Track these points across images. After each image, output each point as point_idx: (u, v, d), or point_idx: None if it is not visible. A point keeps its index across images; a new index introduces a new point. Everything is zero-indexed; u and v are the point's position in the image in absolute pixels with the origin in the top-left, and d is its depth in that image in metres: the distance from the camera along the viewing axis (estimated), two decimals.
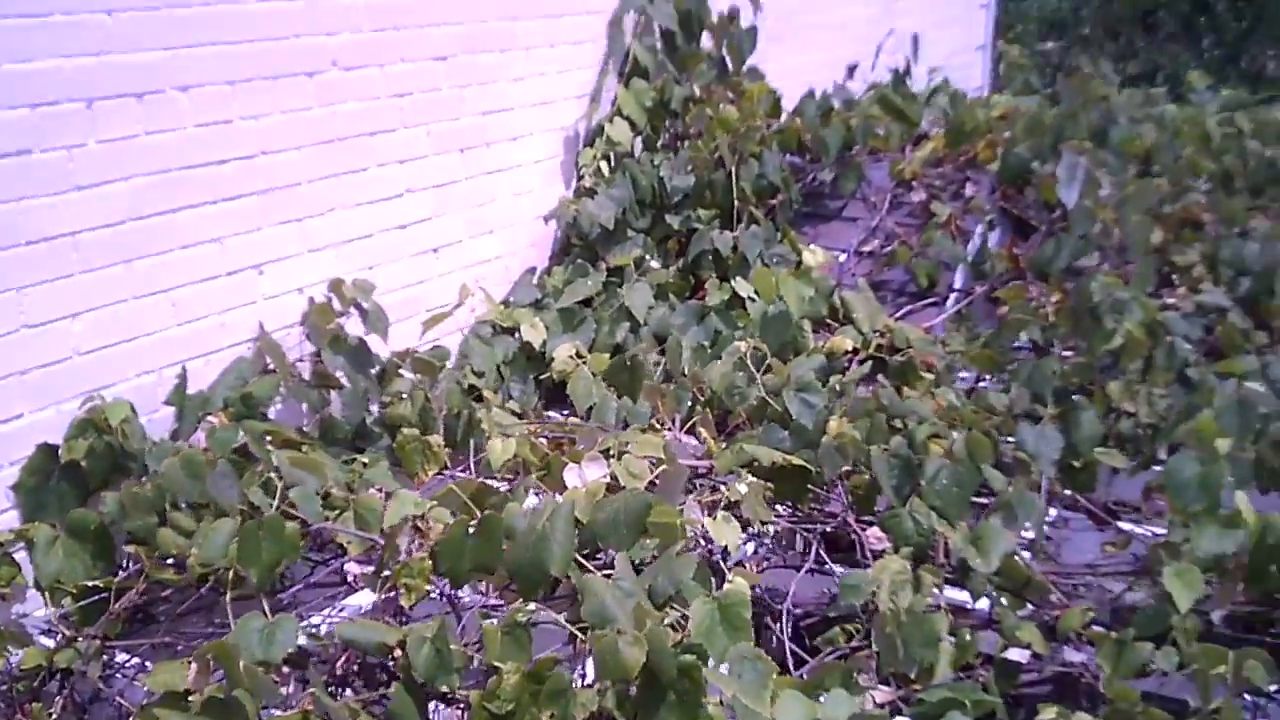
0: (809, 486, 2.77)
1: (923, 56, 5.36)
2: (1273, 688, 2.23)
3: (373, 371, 3.13)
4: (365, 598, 2.58)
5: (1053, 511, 3.02)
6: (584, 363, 3.47)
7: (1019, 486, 2.61)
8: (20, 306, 2.58)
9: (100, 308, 2.73)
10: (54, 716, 2.33)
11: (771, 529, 2.77)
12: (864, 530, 2.68)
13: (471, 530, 2.34)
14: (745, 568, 2.64)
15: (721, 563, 2.57)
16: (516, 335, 3.73)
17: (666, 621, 2.10)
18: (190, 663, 2.15)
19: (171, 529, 2.44)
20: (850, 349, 3.48)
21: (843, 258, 4.09)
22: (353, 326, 3.18)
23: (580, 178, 4.15)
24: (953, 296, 3.93)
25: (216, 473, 2.47)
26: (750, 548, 2.77)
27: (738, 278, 3.77)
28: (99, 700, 2.37)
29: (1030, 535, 2.80)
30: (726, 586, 2.13)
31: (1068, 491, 3.02)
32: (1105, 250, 3.64)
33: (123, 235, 2.76)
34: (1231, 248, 3.82)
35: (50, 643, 2.45)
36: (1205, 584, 2.38)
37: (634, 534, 2.38)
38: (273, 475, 2.57)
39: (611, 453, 2.66)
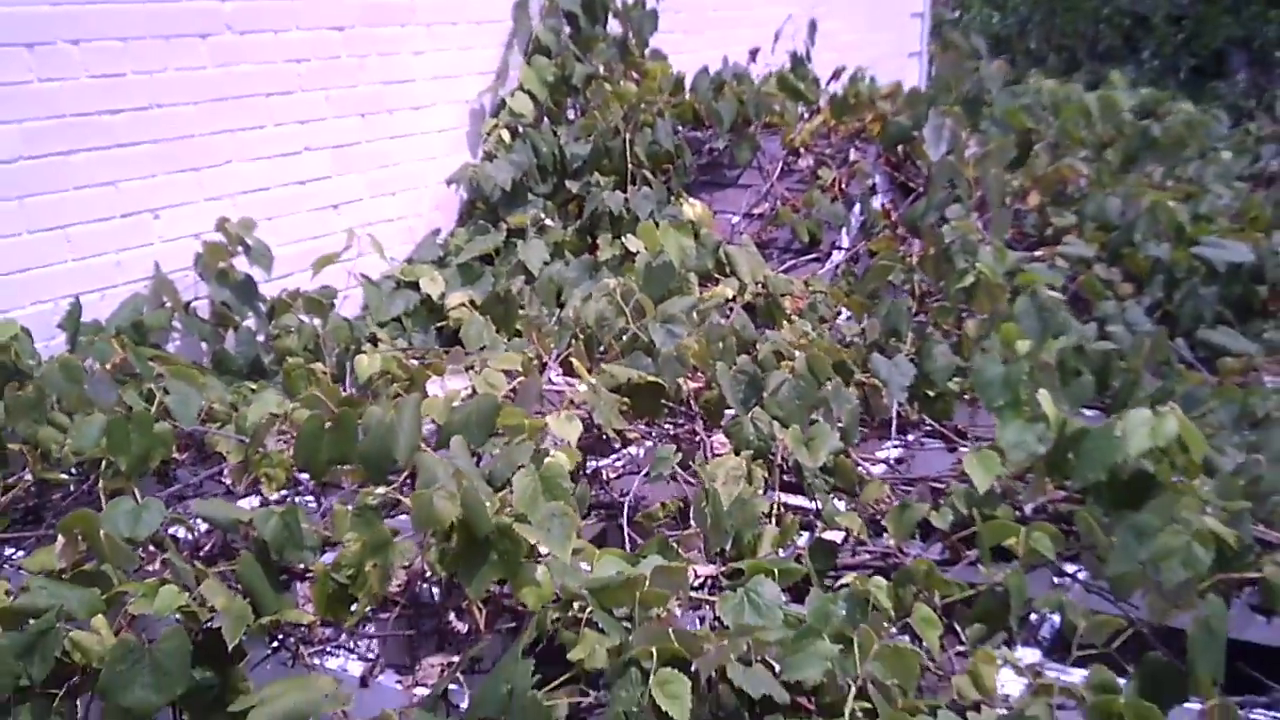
0: (664, 403, 2.96)
1: (852, 59, 5.56)
2: (1072, 569, 2.42)
3: (262, 307, 3.31)
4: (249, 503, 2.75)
5: (910, 435, 3.23)
6: (476, 309, 3.67)
7: (837, 385, 2.80)
8: None
9: None
10: None
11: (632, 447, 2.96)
12: (710, 437, 2.87)
13: (328, 425, 2.52)
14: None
15: None
16: (419, 290, 3.92)
17: (501, 498, 2.28)
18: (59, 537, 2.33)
19: (51, 427, 2.61)
20: (730, 297, 3.68)
21: (735, 219, 4.30)
22: (243, 265, 3.36)
23: (485, 150, 4.36)
24: (835, 254, 4.14)
25: (94, 377, 2.65)
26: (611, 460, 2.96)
27: (628, 234, 3.97)
28: None
29: (884, 455, 3.01)
30: (547, 460, 2.31)
31: (926, 418, 3.23)
32: (968, 204, 3.84)
33: (15, 173, 2.93)
34: (1096, 203, 4.04)
35: None
36: (1019, 479, 2.59)
37: (484, 432, 2.56)
38: (153, 386, 2.75)
39: (473, 368, 2.86)
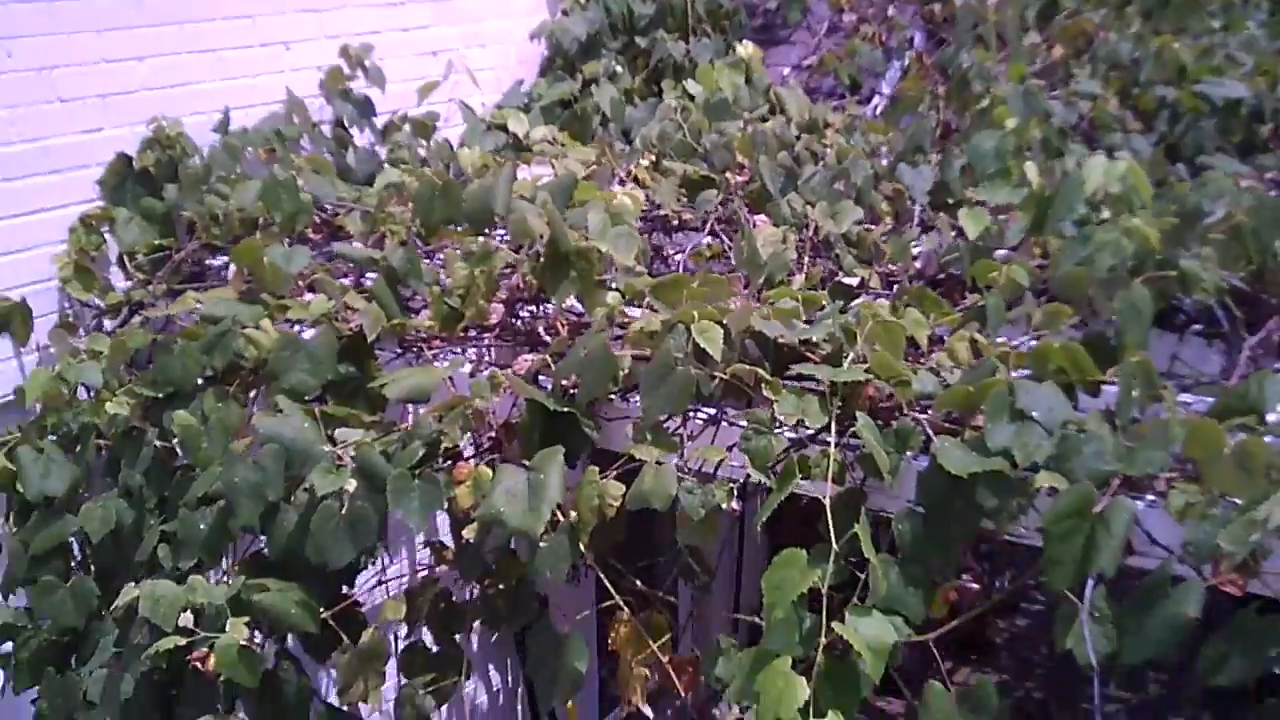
0: (715, 192, 3.51)
1: None
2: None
3: (377, 124, 3.91)
4: None
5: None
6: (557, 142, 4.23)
7: (854, 156, 3.31)
8: (100, 45, 3.36)
9: (159, 56, 3.51)
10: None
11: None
12: (753, 217, 3.41)
13: (438, 191, 3.10)
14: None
15: None
16: (507, 132, 4.48)
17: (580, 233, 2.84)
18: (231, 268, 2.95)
19: (215, 195, 3.22)
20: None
21: (786, 71, 4.81)
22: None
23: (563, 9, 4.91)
24: (876, 98, 4.64)
25: (249, 158, 3.26)
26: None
27: (689, 79, 4.50)
28: (167, 331, 3.15)
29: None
30: (615, 200, 2.87)
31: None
32: (991, 42, 4.31)
33: (174, 2, 3.54)
34: (1108, 48, 4.48)
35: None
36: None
37: (564, 201, 3.13)
38: (294, 174, 3.35)
39: (555, 159, 3.42)
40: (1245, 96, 4.19)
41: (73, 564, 2.99)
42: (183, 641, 2.43)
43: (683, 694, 2.51)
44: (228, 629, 2.42)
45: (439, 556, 2.88)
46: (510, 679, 5.21)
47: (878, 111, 4.56)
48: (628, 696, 2.56)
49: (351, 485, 2.45)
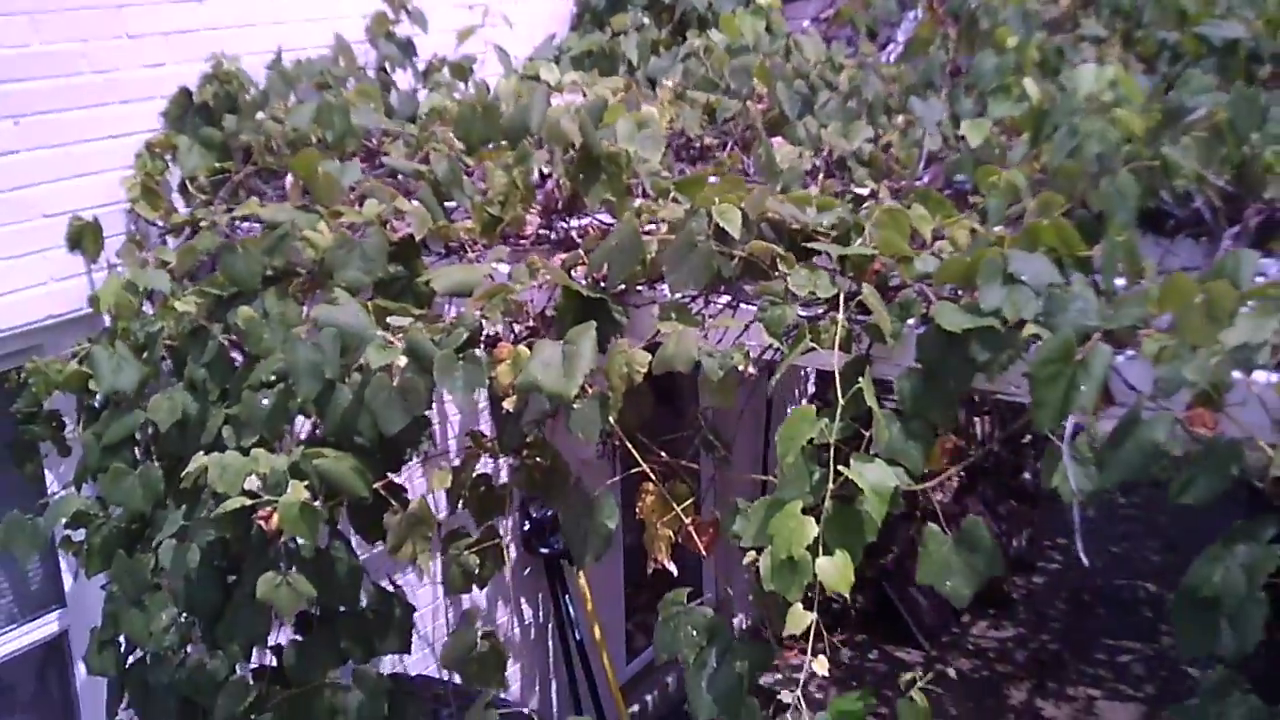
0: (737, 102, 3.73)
1: None
2: None
3: (419, 65, 4.16)
4: None
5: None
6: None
7: (866, 77, 3.52)
8: None
9: None
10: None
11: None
12: (771, 139, 3.63)
13: (478, 112, 3.34)
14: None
15: None
16: (539, 79, 4.72)
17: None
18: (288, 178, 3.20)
19: (272, 121, 3.47)
20: None
21: (805, 24, 5.03)
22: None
23: None
24: (891, 45, 4.85)
25: (302, 86, 3.51)
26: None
27: (712, 29, 4.73)
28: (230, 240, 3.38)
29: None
30: (637, 112, 3.10)
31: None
32: None
33: None
34: None
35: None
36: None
37: (595, 120, 3.36)
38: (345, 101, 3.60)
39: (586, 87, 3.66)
40: (1244, 37, 4.37)
41: (140, 455, 3.24)
42: (248, 502, 2.68)
43: (704, 553, 2.73)
44: (288, 492, 2.66)
45: (479, 444, 3.11)
46: (541, 614, 5.45)
47: (892, 59, 4.76)
48: (653, 555, 2.78)
49: (402, 361, 2.68)
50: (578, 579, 5.31)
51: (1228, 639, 2.09)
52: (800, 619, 2.33)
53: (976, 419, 7.99)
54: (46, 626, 3.78)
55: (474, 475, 3.08)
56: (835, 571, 2.34)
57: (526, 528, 5.19)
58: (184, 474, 2.77)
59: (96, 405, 3.39)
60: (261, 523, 2.67)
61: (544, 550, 5.18)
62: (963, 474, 7.69)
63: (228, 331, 3.05)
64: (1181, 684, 6.55)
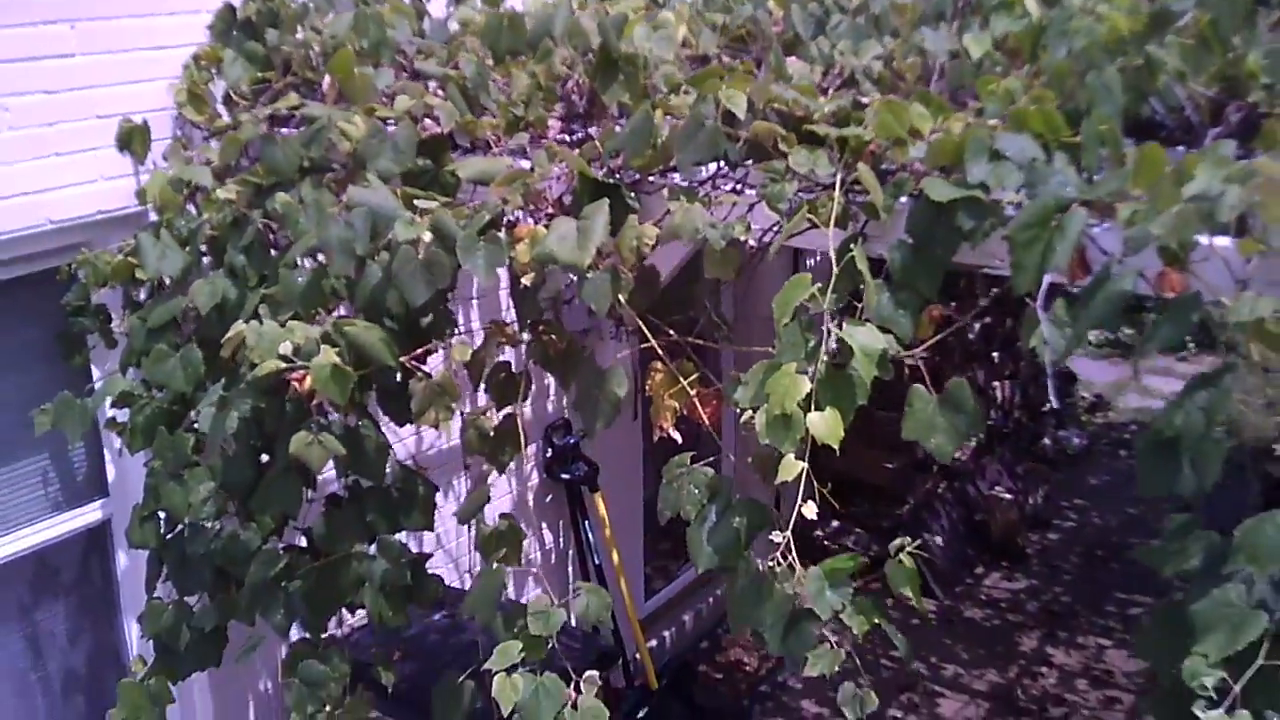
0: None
1: None
2: None
3: None
4: None
5: None
6: None
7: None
8: None
9: None
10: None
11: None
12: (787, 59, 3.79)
13: (505, 23, 3.52)
14: None
15: None
16: None
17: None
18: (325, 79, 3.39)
19: (312, 32, 3.67)
20: None
21: None
22: None
23: None
24: None
25: (341, 1, 3.71)
26: None
27: None
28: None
29: None
30: (654, 19, 3.27)
31: None
32: None
33: None
34: None
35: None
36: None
37: (616, 31, 3.53)
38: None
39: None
40: None
41: (182, 341, 3.44)
42: (282, 366, 2.87)
43: (706, 422, 2.90)
44: (320, 356, 2.85)
45: (499, 331, 3.29)
46: (562, 540, 5.64)
47: None
48: (659, 424, 2.96)
49: (428, 237, 2.87)
50: (597, 506, 5.49)
51: (1187, 478, 2.24)
52: (792, 467, 2.50)
53: (997, 384, 8.13)
54: (91, 514, 3.99)
55: (495, 361, 3.25)
56: (825, 426, 2.51)
57: (549, 454, 5.38)
58: (224, 340, 2.96)
59: (141, 299, 3.60)
60: (295, 384, 2.86)
61: (565, 476, 5.37)
62: (981, 435, 7.85)
63: (266, 218, 3.25)
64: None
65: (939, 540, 7.27)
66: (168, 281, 3.47)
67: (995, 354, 7.92)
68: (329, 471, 3.07)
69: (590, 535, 5.50)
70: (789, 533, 2.54)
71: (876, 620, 2.76)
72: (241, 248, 3.29)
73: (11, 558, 3.82)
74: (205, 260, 3.46)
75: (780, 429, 2.51)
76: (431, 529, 3.40)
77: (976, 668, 6.44)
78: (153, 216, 3.61)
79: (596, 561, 5.51)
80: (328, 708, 3.33)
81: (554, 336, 3.05)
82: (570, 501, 5.46)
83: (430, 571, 4.49)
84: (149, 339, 3.40)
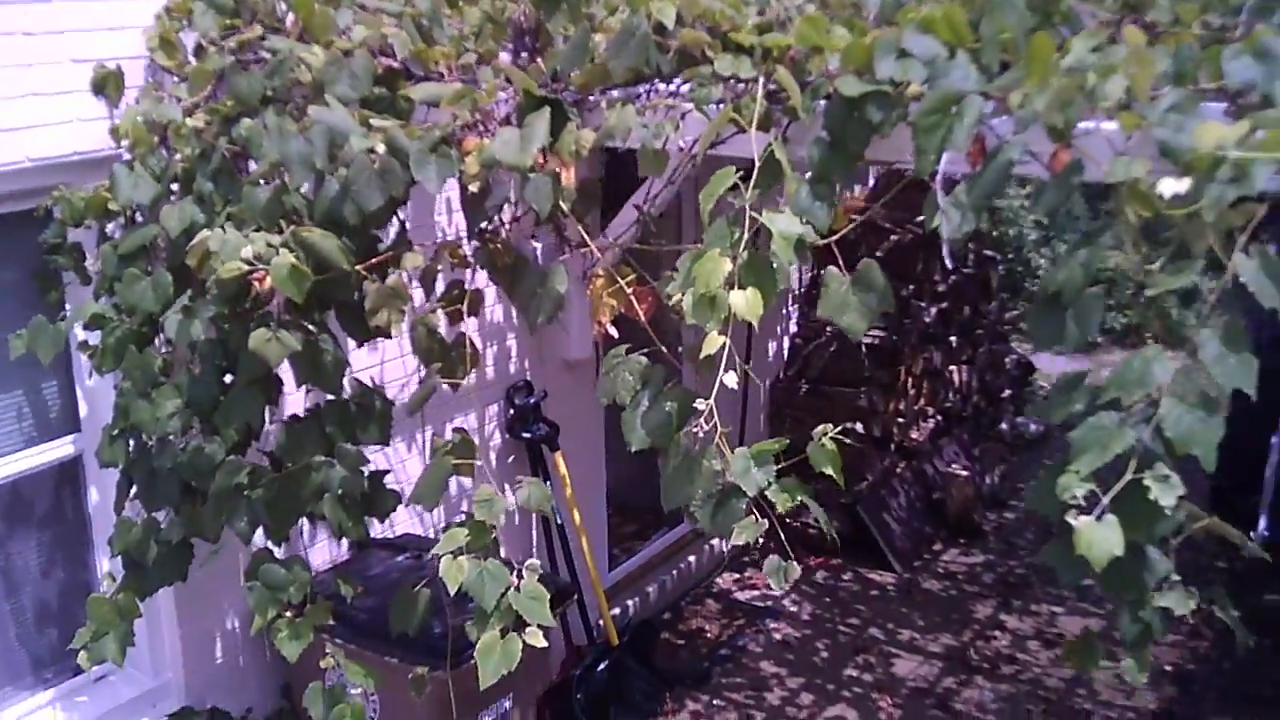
0: None
1: None
2: None
3: None
4: None
5: None
6: None
7: None
8: None
9: None
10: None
11: None
12: None
13: None
14: None
15: None
16: None
17: None
18: None
19: None
20: None
21: None
22: None
23: None
24: None
25: None
26: None
27: None
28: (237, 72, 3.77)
29: None
30: None
31: None
32: None
33: None
34: None
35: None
36: None
37: None
38: None
39: None
40: None
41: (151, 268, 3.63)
42: (245, 268, 3.06)
43: (643, 318, 3.10)
44: (280, 258, 3.04)
45: (452, 252, 3.49)
46: None
47: None
48: (598, 319, 3.16)
49: (382, 148, 3.07)
50: (558, 465, 5.66)
51: (1071, 330, 2.45)
52: (714, 342, 2.69)
53: (955, 368, 8.34)
54: (63, 449, 4.15)
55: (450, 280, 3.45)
56: (745, 303, 2.70)
57: (510, 414, 5.56)
58: (189, 248, 3.15)
59: (114, 235, 3.78)
60: (256, 283, 3.04)
61: (526, 435, 5.55)
62: (939, 417, 8.06)
63: (232, 144, 3.44)
64: None
65: (898, 516, 7.46)
66: (139, 218, 3.66)
67: (953, 339, 8.14)
68: (291, 393, 3.23)
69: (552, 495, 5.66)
70: (712, 401, 2.72)
71: (800, 497, 2.92)
72: (209, 174, 3.47)
73: None
74: (175, 194, 3.64)
75: (705, 308, 2.70)
76: (388, 443, 3.58)
77: (932, 633, 6.62)
78: (126, 158, 3.79)
79: (559, 520, 5.68)
80: (288, 613, 3.50)
81: (500, 246, 3.25)
82: (532, 461, 5.63)
83: (404, 535, 4.69)
84: (120, 264, 3.58)
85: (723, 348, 2.68)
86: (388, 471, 3.65)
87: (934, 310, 7.84)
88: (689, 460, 2.88)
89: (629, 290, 3.09)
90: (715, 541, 7.24)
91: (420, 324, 3.25)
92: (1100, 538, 2.12)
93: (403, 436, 5.03)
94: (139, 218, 3.73)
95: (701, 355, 2.71)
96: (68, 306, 4.02)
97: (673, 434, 2.90)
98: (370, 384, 3.55)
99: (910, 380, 7.72)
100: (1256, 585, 6.81)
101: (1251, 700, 5.93)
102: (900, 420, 7.63)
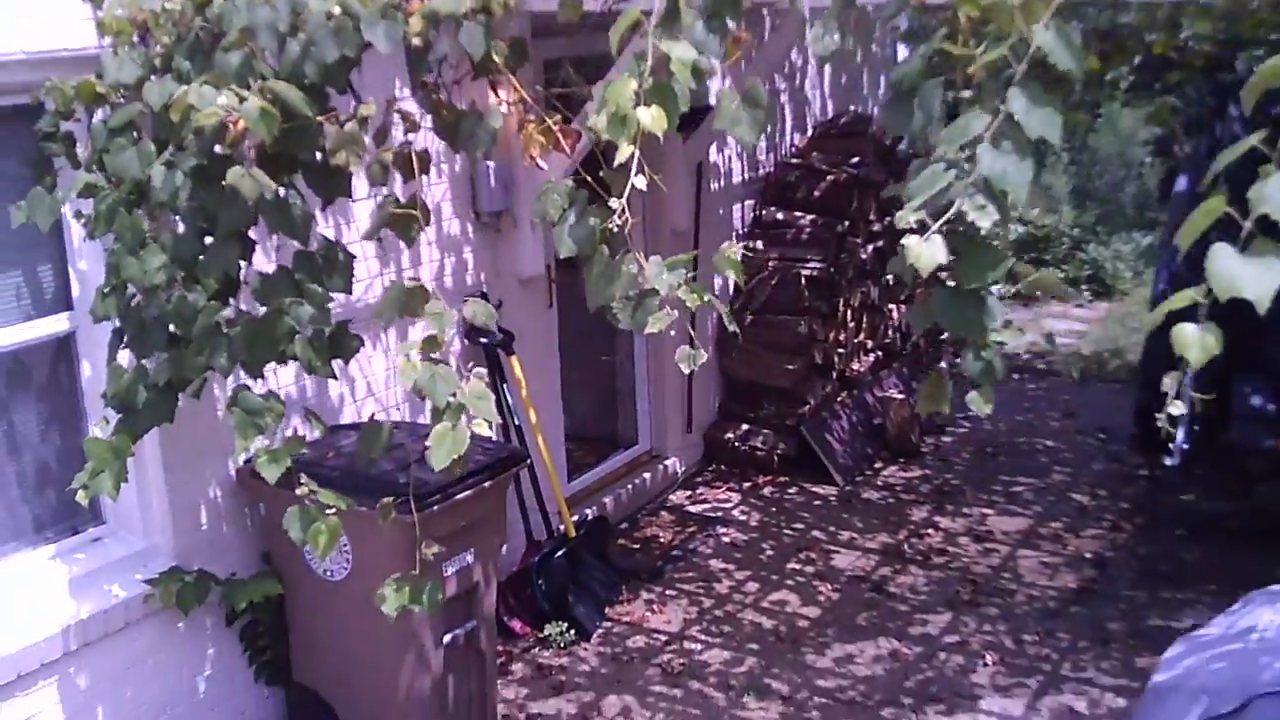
0: None
1: None
2: None
3: None
4: None
5: None
6: None
7: None
8: None
9: None
10: None
11: None
12: None
13: None
14: None
15: None
16: None
17: None
18: None
19: None
20: None
21: None
22: None
23: None
24: None
25: None
26: None
27: None
28: None
29: None
30: None
31: None
32: None
33: None
34: None
35: None
36: None
37: None
38: None
39: None
40: None
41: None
42: (221, 115, 3.51)
43: (568, 152, 3.57)
44: (250, 102, 3.49)
45: (404, 118, 3.95)
46: None
47: None
48: (528, 154, 3.62)
49: (337, 10, 3.54)
50: (513, 368, 6.12)
51: (917, 117, 2.92)
52: (624, 151, 3.15)
53: (893, 306, 8.83)
54: (59, 324, 4.59)
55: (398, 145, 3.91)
56: (652, 119, 3.17)
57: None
58: (171, 102, 3.60)
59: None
60: (231, 126, 3.49)
61: (483, 340, 6.00)
62: (879, 352, 8.55)
63: (206, 23, 3.90)
64: (1067, 505, 7.35)
65: (840, 437, 7.94)
66: (124, 97, 4.11)
67: (889, 277, 8.63)
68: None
69: (510, 397, 6.12)
70: (624, 200, 3.19)
71: (706, 298, 3.38)
72: (186, 52, 3.93)
73: None
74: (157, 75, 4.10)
75: (618, 125, 3.17)
76: (350, 292, 4.04)
77: (870, 533, 7.09)
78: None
79: (516, 422, 6.13)
80: (264, 439, 3.93)
81: (441, 98, 3.71)
82: (489, 367, 6.08)
83: None
84: (109, 138, 4.03)
85: (632, 155, 3.15)
86: (350, 320, 4.09)
87: (870, 248, 8.33)
88: (610, 266, 3.35)
89: (555, 128, 3.56)
90: (669, 461, 7.70)
91: (376, 162, 3.71)
92: (926, 252, 2.60)
93: (368, 336, 5.47)
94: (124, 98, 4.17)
95: (615, 164, 3.17)
96: (60, 190, 4.46)
97: (595, 243, 3.36)
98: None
99: (850, 312, 8.20)
100: (1174, 489, 7.31)
101: (1161, 577, 6.42)
102: (841, 350, 8.12)
